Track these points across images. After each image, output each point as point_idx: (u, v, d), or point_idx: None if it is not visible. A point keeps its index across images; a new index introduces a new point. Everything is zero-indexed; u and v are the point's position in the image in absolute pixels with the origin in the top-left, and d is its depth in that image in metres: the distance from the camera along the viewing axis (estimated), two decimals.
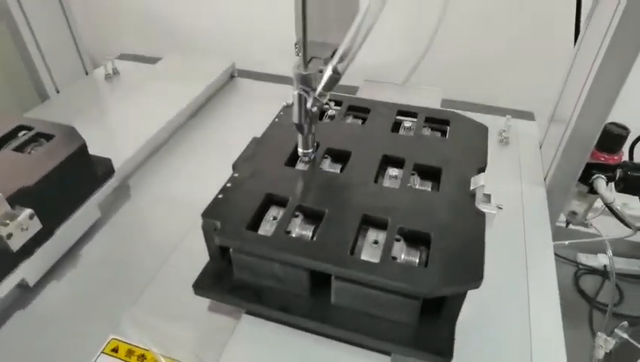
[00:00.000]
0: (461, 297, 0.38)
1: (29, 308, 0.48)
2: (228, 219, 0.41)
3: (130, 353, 0.43)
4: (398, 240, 0.40)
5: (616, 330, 0.75)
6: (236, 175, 0.46)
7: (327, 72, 0.38)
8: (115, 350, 0.44)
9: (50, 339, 0.46)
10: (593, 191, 0.65)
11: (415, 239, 0.40)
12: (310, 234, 0.41)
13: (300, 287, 0.41)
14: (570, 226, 0.77)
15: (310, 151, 0.46)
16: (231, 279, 0.44)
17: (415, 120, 0.55)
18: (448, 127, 0.54)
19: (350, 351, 0.41)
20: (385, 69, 0.92)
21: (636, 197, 0.69)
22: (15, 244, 0.43)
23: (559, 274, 0.51)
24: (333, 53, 0.38)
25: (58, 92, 0.81)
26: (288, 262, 0.40)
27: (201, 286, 0.44)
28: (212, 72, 0.81)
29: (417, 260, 0.39)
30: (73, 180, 0.52)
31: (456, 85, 0.80)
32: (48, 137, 0.53)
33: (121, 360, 0.43)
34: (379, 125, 0.53)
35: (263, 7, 1.03)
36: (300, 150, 0.47)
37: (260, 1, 1.03)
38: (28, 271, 0.48)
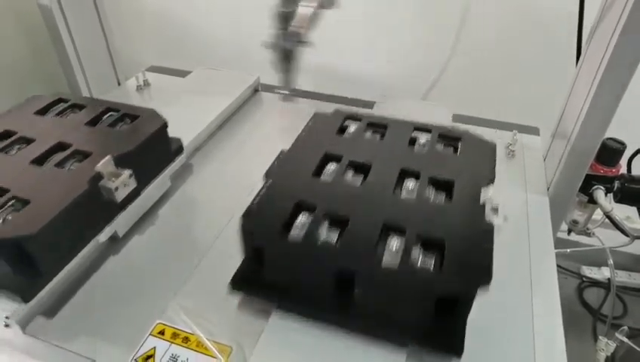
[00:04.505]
0: (471, 297, 0.42)
1: (120, 253, 0.58)
2: (263, 223, 0.46)
3: (175, 336, 0.48)
4: (415, 245, 0.44)
5: (616, 334, 0.79)
6: (268, 183, 0.51)
7: (301, 9, 0.46)
8: (162, 332, 0.49)
9: (136, 280, 0.55)
10: (593, 201, 0.70)
11: (431, 245, 0.44)
12: (336, 238, 0.45)
13: (326, 286, 0.45)
14: (574, 239, 0.82)
15: (289, 91, 0.52)
16: (264, 276, 0.48)
17: (429, 135, 0.59)
18: (460, 143, 0.58)
19: (370, 343, 0.46)
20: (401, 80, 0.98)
21: (636, 210, 0.74)
22: (119, 197, 0.53)
23: (563, 286, 0.55)
24: None
25: None
26: (318, 265, 0.44)
27: (237, 283, 0.50)
28: (239, 86, 0.87)
29: (433, 263, 0.43)
30: (156, 151, 0.62)
31: (467, 100, 0.86)
32: (133, 117, 0.63)
33: (167, 341, 0.48)
34: (396, 141, 0.58)
35: None
36: (282, 91, 0.53)
37: None
38: (119, 223, 0.57)
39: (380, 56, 1.02)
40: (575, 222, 0.75)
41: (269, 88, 0.93)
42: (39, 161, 0.55)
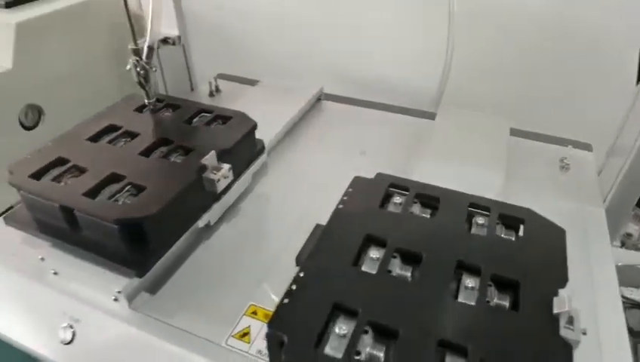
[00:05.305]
0: None
1: (211, 239, 0.64)
2: (295, 332, 0.39)
3: (267, 316, 0.53)
4: None
5: None
6: (301, 274, 0.45)
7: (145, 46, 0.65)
8: (255, 313, 0.54)
9: (227, 264, 0.61)
10: None
11: None
12: (382, 356, 0.39)
13: None
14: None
15: (153, 100, 0.68)
16: None
17: (485, 210, 0.53)
18: (522, 225, 0.52)
19: None
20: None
21: None
22: (219, 188, 0.59)
23: None
24: None
25: None
26: None
27: None
28: (305, 95, 0.92)
29: None
30: (246, 150, 0.68)
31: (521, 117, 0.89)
32: (225, 118, 0.69)
33: (261, 321, 0.53)
34: (450, 221, 0.51)
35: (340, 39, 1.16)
36: (145, 100, 0.67)
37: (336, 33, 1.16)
38: (214, 212, 0.63)
39: (434, 66, 1.06)
40: (629, 235, 0.78)
41: (330, 97, 0.99)
42: (146, 153, 0.61)
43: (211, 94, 0.96)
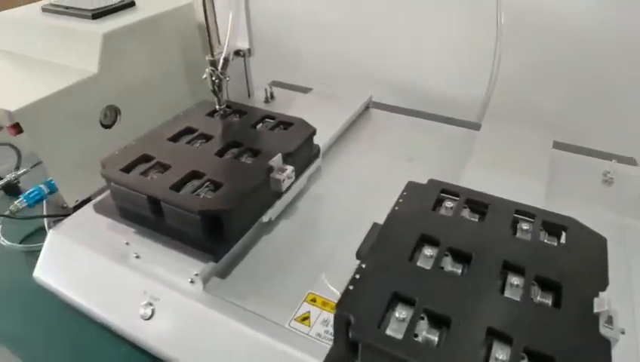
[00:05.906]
0: None
1: (271, 234, 0.71)
2: (360, 314, 0.45)
3: (324, 304, 0.59)
4: (522, 358, 0.42)
5: None
6: (363, 266, 0.50)
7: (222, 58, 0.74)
8: (314, 300, 0.60)
9: (287, 256, 0.67)
10: None
11: (539, 359, 0.42)
12: (436, 339, 0.44)
13: None
14: None
15: (223, 106, 0.78)
16: None
17: (531, 217, 0.57)
18: (564, 232, 0.55)
19: None
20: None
21: None
22: (283, 187, 0.66)
23: None
24: None
25: None
26: None
27: None
28: (354, 104, 0.98)
29: None
30: (305, 153, 0.75)
31: (563, 129, 0.92)
32: (287, 124, 0.76)
33: (319, 308, 0.59)
34: (498, 225, 0.56)
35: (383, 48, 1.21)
36: (217, 106, 0.77)
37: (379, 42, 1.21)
38: (275, 209, 0.70)
39: (480, 78, 1.10)
40: None
41: (378, 105, 1.05)
42: (220, 153, 0.69)
43: (266, 100, 1.04)
